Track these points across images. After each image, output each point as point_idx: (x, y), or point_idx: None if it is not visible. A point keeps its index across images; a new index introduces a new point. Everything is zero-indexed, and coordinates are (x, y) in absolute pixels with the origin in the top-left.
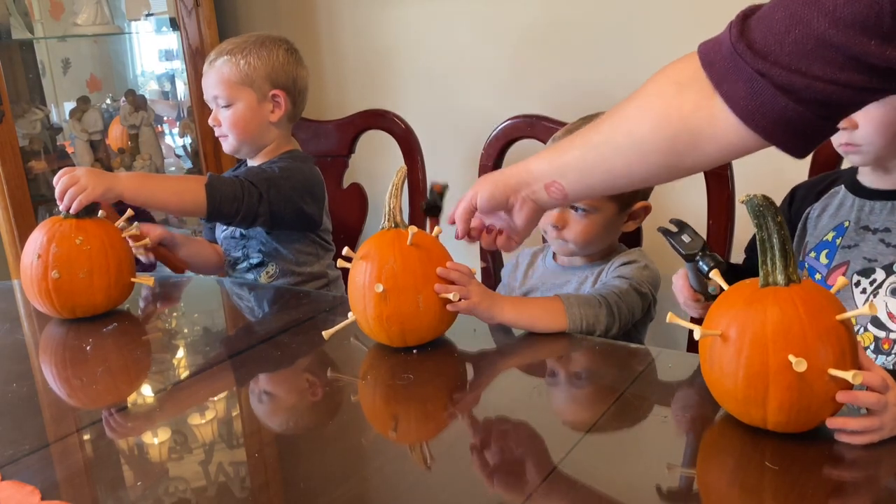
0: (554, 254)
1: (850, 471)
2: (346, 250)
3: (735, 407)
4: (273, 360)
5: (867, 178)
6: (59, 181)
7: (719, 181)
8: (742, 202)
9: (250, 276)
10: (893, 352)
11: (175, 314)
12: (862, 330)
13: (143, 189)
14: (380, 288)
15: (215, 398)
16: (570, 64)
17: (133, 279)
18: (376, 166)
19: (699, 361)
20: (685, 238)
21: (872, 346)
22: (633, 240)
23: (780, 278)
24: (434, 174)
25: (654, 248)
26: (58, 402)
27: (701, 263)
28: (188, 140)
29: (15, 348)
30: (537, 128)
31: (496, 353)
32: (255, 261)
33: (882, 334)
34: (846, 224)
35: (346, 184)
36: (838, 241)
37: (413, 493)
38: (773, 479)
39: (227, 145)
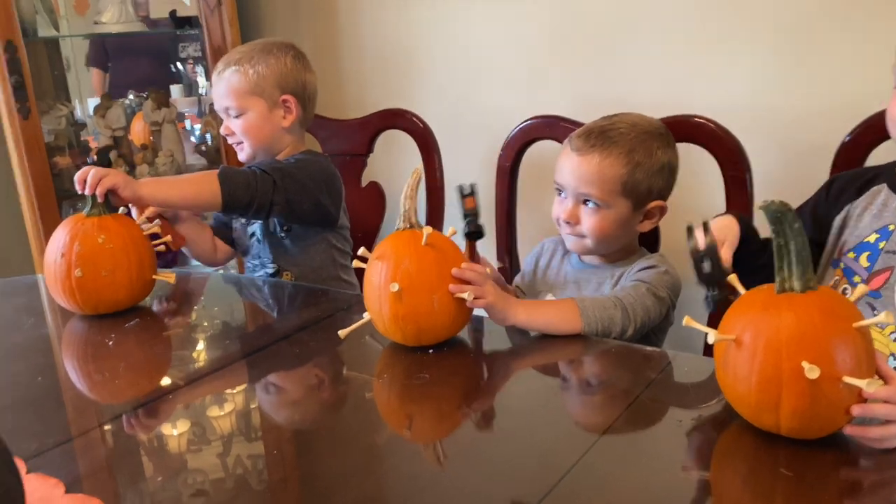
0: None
1: (866, 476)
2: (361, 250)
3: (748, 412)
4: (290, 357)
5: None
6: (90, 171)
7: (738, 185)
8: (760, 208)
9: None
10: None
11: (195, 310)
12: (895, 336)
13: (160, 188)
14: (395, 287)
15: (233, 393)
16: (590, 65)
17: (154, 276)
18: (395, 165)
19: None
20: (706, 266)
21: None
22: (652, 239)
23: (796, 285)
24: (452, 173)
25: (675, 250)
26: (80, 397)
27: (708, 298)
28: (209, 137)
29: (40, 342)
30: (556, 128)
31: (511, 353)
32: (270, 270)
33: None
34: (891, 228)
35: (364, 183)
36: (881, 244)
37: (427, 493)
38: (787, 485)
39: (243, 153)
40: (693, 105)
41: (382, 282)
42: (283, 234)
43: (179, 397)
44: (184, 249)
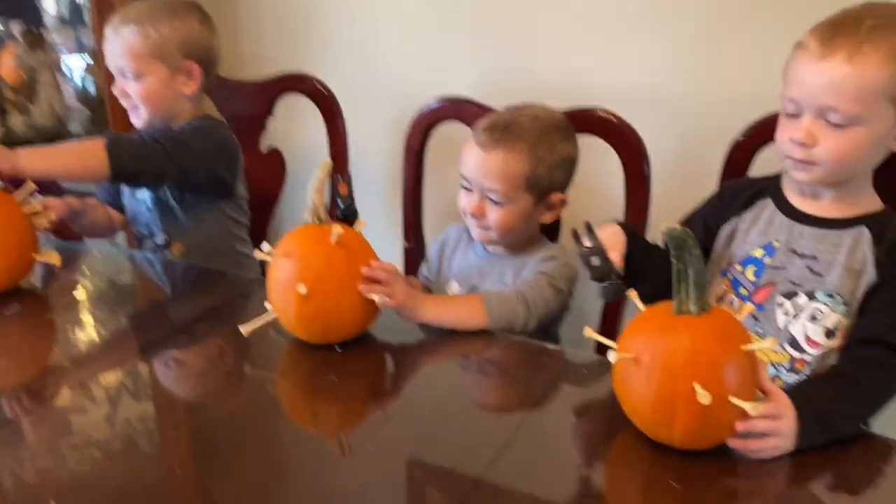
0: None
1: (744, 484)
2: (265, 247)
3: (643, 425)
4: (188, 352)
5: (796, 199)
6: None
7: (638, 179)
8: (662, 233)
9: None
10: (804, 372)
11: (82, 295)
12: (780, 349)
13: (41, 160)
14: (303, 289)
15: (124, 389)
16: (503, 49)
17: (36, 256)
18: (297, 131)
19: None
20: (594, 261)
21: (788, 365)
22: (554, 228)
23: (693, 308)
24: (356, 142)
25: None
26: None
27: (605, 291)
28: (92, 85)
29: None
30: (464, 111)
31: (418, 349)
32: (159, 241)
33: (797, 355)
34: (776, 244)
35: (264, 149)
36: (767, 260)
37: (328, 482)
38: (675, 496)
39: (138, 120)
40: (599, 89)
41: (288, 281)
42: (174, 204)
43: (64, 398)
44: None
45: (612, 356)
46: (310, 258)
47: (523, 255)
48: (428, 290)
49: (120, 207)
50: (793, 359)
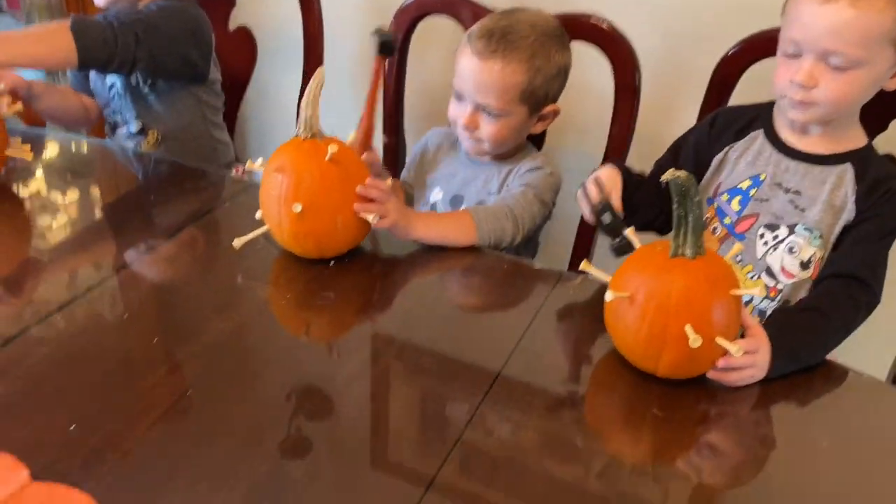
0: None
1: (719, 406)
2: (259, 161)
3: (631, 357)
4: (175, 260)
5: (785, 133)
6: None
7: (628, 92)
8: (665, 180)
9: (130, 143)
10: (778, 299)
11: (56, 193)
12: (756, 277)
13: (6, 48)
14: (298, 208)
15: (114, 301)
16: None
17: (7, 152)
18: (266, 7)
19: (596, 289)
20: (605, 219)
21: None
22: (537, 138)
23: (688, 251)
24: (333, 24)
25: (556, 148)
26: None
27: (613, 246)
28: None
29: None
30: (456, 5)
31: (408, 264)
32: (133, 129)
33: (771, 283)
34: (762, 177)
35: (232, 26)
36: (752, 192)
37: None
38: (656, 423)
39: None
40: None
41: (283, 197)
42: (146, 90)
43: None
44: (52, 124)
45: (609, 295)
46: (304, 175)
47: (509, 162)
48: (409, 194)
49: (90, 92)
50: (767, 287)
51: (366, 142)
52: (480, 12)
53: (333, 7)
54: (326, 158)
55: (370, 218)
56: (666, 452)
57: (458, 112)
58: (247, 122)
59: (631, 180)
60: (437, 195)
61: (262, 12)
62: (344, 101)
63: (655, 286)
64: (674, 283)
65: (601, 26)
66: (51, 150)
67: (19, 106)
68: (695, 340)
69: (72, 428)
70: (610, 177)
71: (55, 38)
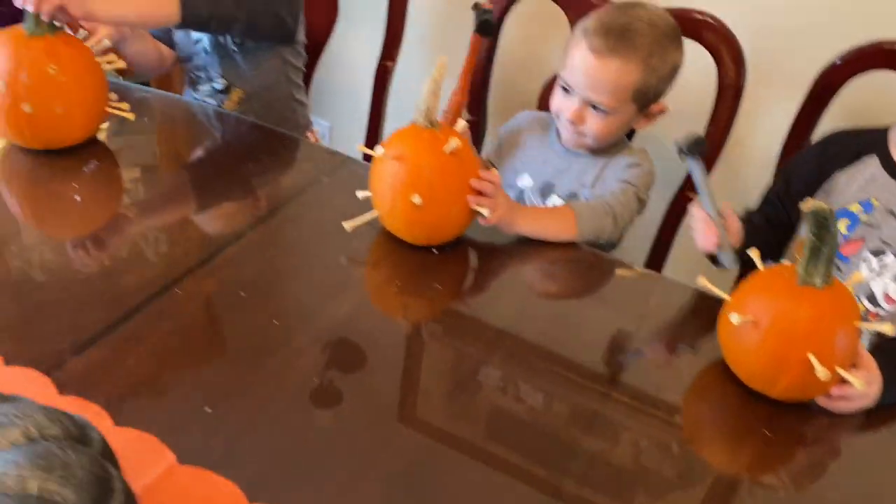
0: (557, 132)
1: (826, 430)
2: (377, 148)
3: (743, 374)
4: (282, 238)
5: None
6: None
7: (731, 93)
8: (804, 209)
9: (212, 101)
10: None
11: (152, 157)
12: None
13: (114, 4)
14: (417, 199)
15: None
16: None
17: (108, 109)
18: None
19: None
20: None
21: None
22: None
23: (818, 281)
24: None
25: (646, 142)
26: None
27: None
28: None
29: None
30: None
31: (507, 254)
32: (218, 86)
33: (872, 308)
34: (874, 202)
35: None
36: (863, 217)
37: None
38: (764, 441)
39: None
40: None
41: (400, 186)
42: (234, 49)
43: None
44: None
45: (734, 318)
46: (424, 167)
47: (605, 155)
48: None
49: (171, 43)
50: (867, 311)
51: (454, 117)
52: (586, 3)
53: None
54: (447, 151)
55: (484, 212)
56: (771, 470)
57: (565, 105)
58: (321, 84)
59: (746, 232)
60: (525, 181)
61: None
62: (424, 66)
63: (782, 313)
64: (801, 312)
65: (710, 23)
66: (142, 107)
67: (122, 63)
68: (821, 372)
69: (207, 410)
70: (730, 221)
71: None
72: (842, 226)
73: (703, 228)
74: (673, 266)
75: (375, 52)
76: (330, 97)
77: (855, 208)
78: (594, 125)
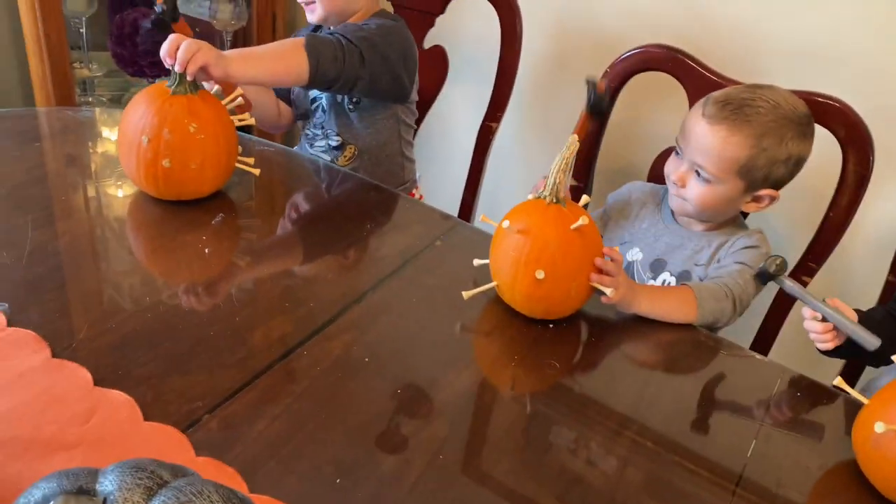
0: (671, 210)
1: None
2: (503, 223)
3: (882, 485)
4: (400, 302)
5: None
6: (181, 44)
7: (856, 182)
8: None
9: (326, 157)
10: None
11: (274, 214)
12: None
13: (250, 65)
14: (541, 275)
15: (355, 351)
16: None
17: (237, 164)
18: (463, 28)
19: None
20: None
21: None
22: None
23: None
24: (528, 57)
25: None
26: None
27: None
28: None
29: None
30: (682, 68)
31: (622, 332)
32: (333, 143)
33: None
34: None
35: (427, 44)
36: None
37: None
38: None
39: (313, 15)
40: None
41: (523, 261)
42: (350, 107)
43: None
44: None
45: (879, 427)
46: (549, 243)
47: (720, 234)
48: None
49: (289, 102)
50: None
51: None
52: (708, 80)
53: (532, 38)
54: (572, 228)
55: (607, 292)
56: None
57: (673, 167)
58: (423, 138)
59: (872, 318)
60: (635, 255)
61: (457, 32)
62: (532, 129)
63: None
64: None
65: (836, 106)
66: (263, 161)
67: (252, 120)
68: None
69: (338, 481)
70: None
71: (292, 57)
72: None
73: (820, 328)
74: (778, 351)
75: (476, 109)
76: (420, 144)
77: None
78: (695, 191)
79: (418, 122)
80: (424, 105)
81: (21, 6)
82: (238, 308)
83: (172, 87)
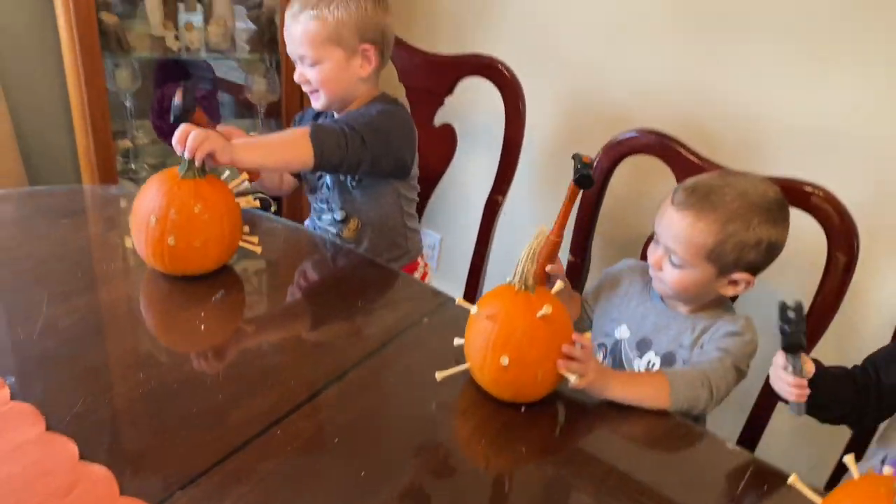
0: None
1: None
2: (473, 309)
3: None
4: (378, 380)
5: None
6: (190, 134)
7: (841, 270)
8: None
9: (332, 229)
10: None
11: (275, 286)
12: None
13: (255, 153)
14: (505, 361)
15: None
16: (706, 54)
17: (241, 243)
18: (471, 106)
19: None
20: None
21: None
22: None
23: None
24: (533, 132)
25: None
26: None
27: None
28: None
29: (122, 301)
30: (671, 153)
31: (596, 417)
32: (338, 217)
33: None
34: None
35: (437, 122)
36: None
37: None
38: None
39: (318, 103)
40: (783, 110)
41: (490, 346)
42: (353, 184)
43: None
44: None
45: None
46: (515, 329)
47: (705, 317)
48: (587, 313)
49: (298, 175)
50: None
51: (551, 256)
52: (693, 165)
53: (536, 115)
54: (538, 316)
55: (572, 378)
56: None
57: (651, 251)
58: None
59: (826, 374)
60: (623, 333)
61: (466, 111)
62: (534, 200)
63: None
64: None
65: (819, 196)
66: (269, 236)
67: (257, 203)
68: None
69: None
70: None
71: (297, 146)
72: None
73: (780, 376)
74: (767, 441)
75: (488, 181)
76: (443, 213)
77: None
78: (671, 275)
79: (428, 193)
80: (435, 178)
81: (70, 85)
82: (222, 385)
83: (182, 172)
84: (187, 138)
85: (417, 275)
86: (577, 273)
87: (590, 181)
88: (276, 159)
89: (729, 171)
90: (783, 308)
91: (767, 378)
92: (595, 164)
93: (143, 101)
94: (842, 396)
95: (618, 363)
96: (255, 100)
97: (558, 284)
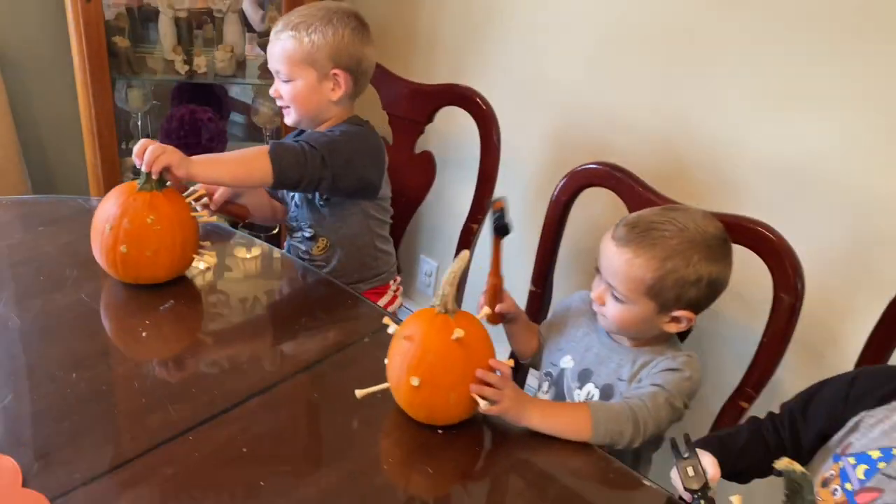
0: None
1: None
2: (393, 328)
3: None
4: (302, 396)
5: None
6: (148, 148)
7: (786, 311)
8: (779, 469)
9: (303, 246)
10: None
11: (226, 300)
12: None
13: (212, 168)
14: (415, 381)
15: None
16: (677, 79)
17: (195, 256)
18: (452, 137)
19: None
20: (689, 470)
21: None
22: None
23: None
24: (509, 160)
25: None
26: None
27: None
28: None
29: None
30: (623, 186)
31: (516, 443)
32: (307, 234)
33: None
34: (895, 451)
35: (417, 150)
36: (881, 465)
37: None
38: None
39: (289, 118)
40: (755, 148)
41: (405, 366)
42: (321, 203)
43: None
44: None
45: None
46: (428, 350)
47: (647, 351)
48: (541, 344)
49: (278, 198)
50: None
51: (494, 300)
52: (644, 197)
53: (511, 148)
54: (452, 339)
55: (482, 404)
56: None
57: (595, 285)
58: (422, 218)
59: (732, 451)
60: (567, 363)
61: (447, 139)
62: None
63: None
64: None
65: (764, 234)
66: (236, 254)
67: (215, 218)
68: None
69: None
70: (710, 464)
71: (255, 162)
72: (860, 471)
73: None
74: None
75: (463, 207)
76: (438, 240)
77: (875, 454)
78: (612, 310)
79: (407, 215)
80: (415, 202)
81: (80, 105)
82: (149, 390)
83: (140, 184)
84: (145, 152)
85: (386, 298)
86: (537, 303)
87: (506, 230)
88: (234, 175)
89: (672, 206)
90: (489, 205)
91: (720, 417)
92: (507, 207)
93: (155, 120)
94: (756, 461)
95: (560, 393)
96: (260, 122)
97: (486, 310)
